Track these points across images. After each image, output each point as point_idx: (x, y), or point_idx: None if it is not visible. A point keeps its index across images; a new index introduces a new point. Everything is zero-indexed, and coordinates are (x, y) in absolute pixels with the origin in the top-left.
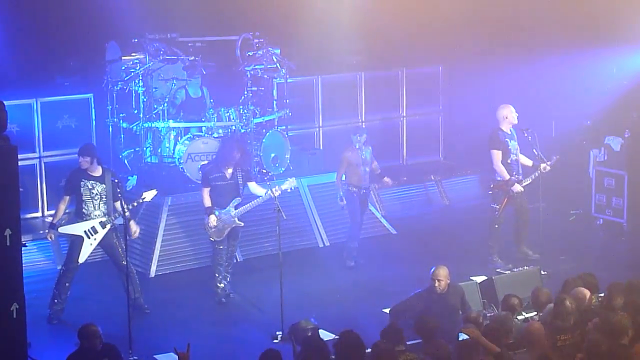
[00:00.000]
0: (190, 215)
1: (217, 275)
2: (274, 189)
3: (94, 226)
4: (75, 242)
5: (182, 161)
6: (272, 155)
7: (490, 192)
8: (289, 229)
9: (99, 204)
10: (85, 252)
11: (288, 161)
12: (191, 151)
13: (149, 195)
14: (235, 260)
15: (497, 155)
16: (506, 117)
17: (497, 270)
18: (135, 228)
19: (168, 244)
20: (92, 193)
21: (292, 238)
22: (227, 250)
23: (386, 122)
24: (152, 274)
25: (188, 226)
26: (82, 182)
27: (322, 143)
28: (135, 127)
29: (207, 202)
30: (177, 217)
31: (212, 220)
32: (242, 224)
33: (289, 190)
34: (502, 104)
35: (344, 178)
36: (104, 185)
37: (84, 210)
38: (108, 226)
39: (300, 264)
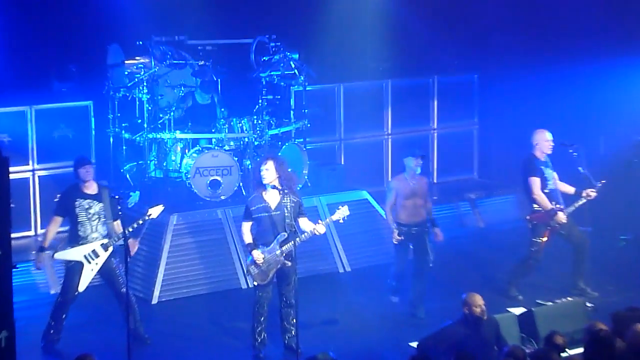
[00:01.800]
0: (197, 235)
1: (255, 325)
2: (321, 224)
3: (94, 249)
4: (74, 268)
5: (189, 176)
6: (289, 170)
7: (530, 226)
8: (306, 252)
9: (97, 225)
10: (86, 280)
11: (306, 177)
12: (199, 165)
13: (155, 212)
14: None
15: (535, 183)
16: (537, 144)
17: (538, 301)
18: (134, 245)
19: (172, 267)
20: (89, 213)
21: (310, 262)
22: (279, 297)
23: (415, 135)
24: (155, 300)
25: (195, 248)
26: (76, 202)
27: (343, 157)
28: (138, 138)
29: (248, 237)
30: (183, 237)
31: (258, 256)
32: (290, 264)
33: (340, 221)
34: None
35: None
36: (101, 204)
37: (80, 233)
38: (110, 249)
39: (319, 291)
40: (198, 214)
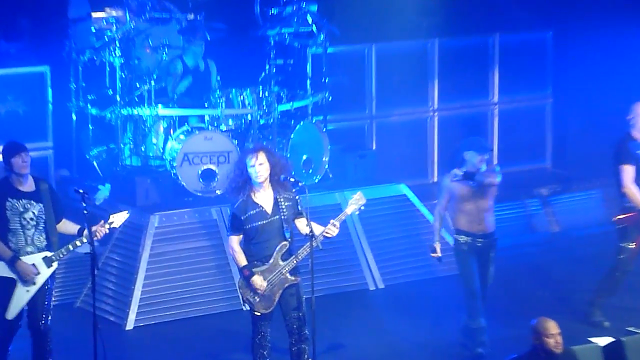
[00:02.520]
0: (185, 242)
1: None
2: (333, 224)
3: (34, 264)
4: (3, 289)
5: (175, 164)
6: (304, 157)
7: (619, 228)
8: (327, 263)
9: (33, 234)
10: (19, 304)
11: (326, 166)
12: (188, 150)
13: (117, 220)
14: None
15: (627, 172)
16: (635, 122)
17: (628, 329)
18: (101, 231)
19: (153, 283)
20: (24, 219)
21: (332, 277)
22: (288, 330)
23: (469, 111)
24: (130, 325)
25: (183, 258)
26: (7, 203)
27: (375, 141)
28: (109, 115)
29: (241, 257)
30: (167, 244)
31: (258, 282)
32: (298, 280)
33: (356, 213)
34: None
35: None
36: (40, 205)
37: (11, 245)
38: (55, 265)
39: (342, 313)
40: (186, 214)
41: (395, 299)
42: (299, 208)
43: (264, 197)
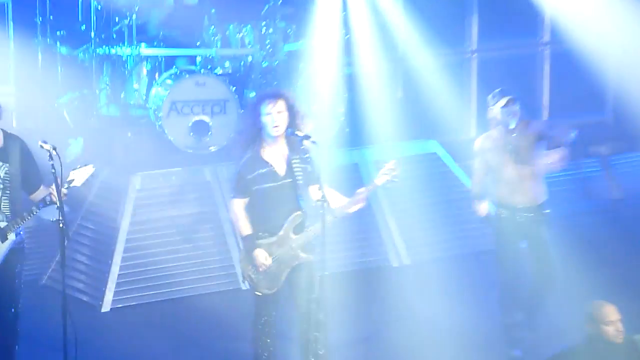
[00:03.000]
0: (173, 208)
1: (259, 353)
2: (360, 196)
3: None
4: None
5: (160, 115)
6: (314, 107)
7: None
8: (343, 236)
9: None
10: None
11: (342, 118)
12: (177, 98)
13: (79, 177)
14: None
15: None
16: None
17: None
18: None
19: (134, 256)
20: None
21: (348, 252)
22: (298, 314)
23: (514, 53)
24: (106, 306)
25: (169, 227)
26: None
27: (402, 87)
28: (82, 55)
29: (244, 225)
30: (150, 210)
31: (261, 257)
32: (311, 258)
33: (388, 186)
34: None
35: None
36: (7, 166)
37: None
38: (11, 237)
39: (360, 294)
40: (174, 174)
41: (422, 278)
42: (316, 172)
43: (276, 155)
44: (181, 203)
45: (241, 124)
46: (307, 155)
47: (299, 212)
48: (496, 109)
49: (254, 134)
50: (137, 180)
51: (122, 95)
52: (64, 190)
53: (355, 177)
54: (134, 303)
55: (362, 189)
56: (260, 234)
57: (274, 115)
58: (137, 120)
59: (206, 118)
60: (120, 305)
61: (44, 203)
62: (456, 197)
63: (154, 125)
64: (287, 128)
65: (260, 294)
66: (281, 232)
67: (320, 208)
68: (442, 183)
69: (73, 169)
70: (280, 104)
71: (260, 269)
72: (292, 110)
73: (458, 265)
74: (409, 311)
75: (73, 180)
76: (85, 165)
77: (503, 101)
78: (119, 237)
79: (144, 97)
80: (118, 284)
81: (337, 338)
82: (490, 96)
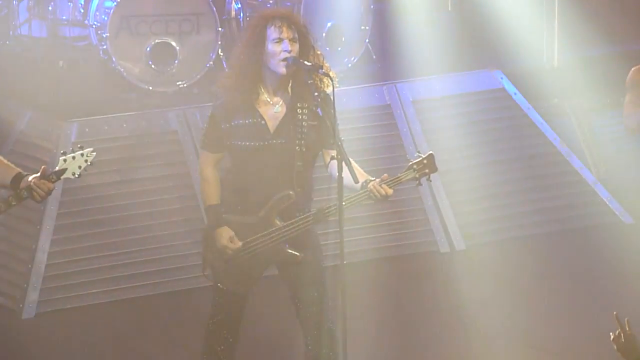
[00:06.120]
0: (122, 169)
1: None
2: (387, 181)
3: None
4: None
5: (106, 35)
6: (328, 25)
7: None
8: (367, 212)
9: None
10: None
11: (367, 40)
12: (128, 12)
13: (74, 165)
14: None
15: None
16: None
17: None
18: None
19: (67, 240)
20: None
21: (378, 234)
22: (301, 323)
23: None
24: (29, 312)
25: (118, 197)
26: None
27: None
28: None
29: (211, 191)
30: (93, 174)
31: (224, 239)
32: (300, 256)
33: (417, 184)
34: None
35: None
36: None
37: None
38: None
39: (394, 291)
40: (126, 121)
41: (480, 268)
42: (333, 131)
43: (271, 103)
44: (135, 162)
45: (232, 55)
46: (318, 104)
47: (289, 192)
48: None
49: (253, 70)
50: (72, 129)
51: (51, 8)
52: (49, 185)
53: (386, 125)
54: (67, 307)
55: (380, 181)
56: (233, 206)
57: (289, 44)
58: (72, 44)
59: (171, 40)
60: (48, 310)
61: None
62: (532, 152)
63: (96, 51)
64: (303, 67)
65: (223, 288)
66: (262, 213)
67: (337, 181)
68: (512, 132)
69: (63, 154)
70: (293, 29)
71: (224, 255)
72: (304, 40)
73: (531, 247)
74: (459, 313)
75: (65, 170)
76: (82, 149)
77: None
78: (45, 212)
79: (82, 11)
80: (45, 280)
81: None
82: None
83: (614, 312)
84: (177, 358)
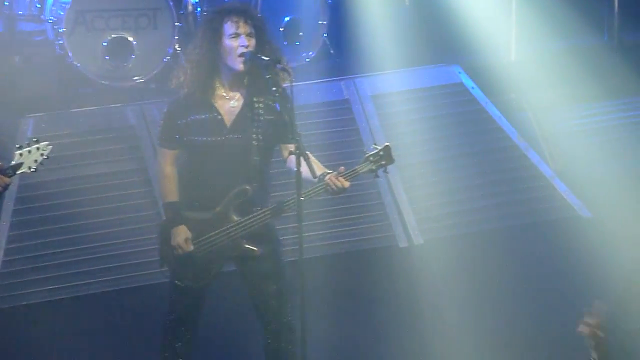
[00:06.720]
0: (79, 165)
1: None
2: (344, 174)
3: None
4: None
5: (62, 30)
6: (286, 19)
7: None
8: (323, 206)
9: None
10: None
11: (325, 34)
12: (84, 6)
13: (30, 159)
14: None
15: None
16: None
17: None
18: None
19: (23, 236)
20: None
21: (335, 230)
22: (260, 320)
23: None
24: None
25: (75, 193)
26: None
27: None
28: None
29: (168, 187)
30: (49, 170)
31: (180, 237)
32: (258, 251)
33: (375, 177)
34: None
35: None
36: None
37: None
38: None
39: (351, 286)
40: (82, 116)
41: (438, 263)
42: (290, 125)
43: (227, 98)
44: (92, 158)
45: (189, 50)
46: (269, 101)
47: (246, 187)
48: None
49: (210, 65)
50: (28, 125)
51: (7, 3)
52: (6, 179)
53: (345, 120)
54: (23, 303)
55: (337, 174)
56: (190, 202)
57: (246, 39)
58: (28, 39)
59: (128, 35)
60: (5, 306)
61: None
62: (490, 147)
63: (53, 46)
64: (260, 61)
65: (180, 284)
66: (218, 209)
67: (295, 174)
68: (471, 127)
69: (19, 148)
70: (250, 24)
71: (176, 253)
72: (261, 35)
73: (489, 242)
74: (408, 302)
75: (22, 164)
76: (37, 142)
77: None
78: (2, 209)
79: (39, 5)
80: (2, 277)
81: (315, 342)
82: None
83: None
84: (136, 354)
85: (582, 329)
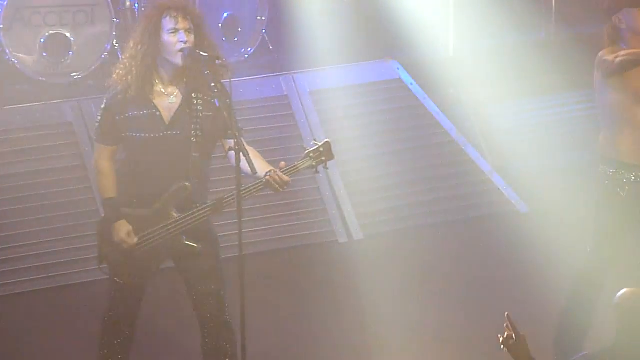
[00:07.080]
0: (17, 162)
1: (105, 356)
2: (285, 170)
3: None
4: None
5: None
6: (225, 15)
7: None
8: (264, 202)
9: None
10: None
11: (264, 30)
12: (21, 2)
13: None
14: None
15: None
16: None
17: None
18: None
19: None
20: None
21: (276, 225)
22: (199, 317)
23: None
24: None
25: (12, 190)
26: None
27: None
28: None
29: (106, 183)
30: None
31: (121, 233)
32: (197, 248)
33: (315, 173)
34: None
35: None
36: None
37: None
38: None
39: (291, 283)
40: (20, 112)
41: (380, 258)
42: (230, 120)
43: (165, 94)
44: (28, 154)
45: (127, 45)
46: (215, 95)
47: (185, 184)
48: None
49: (148, 61)
50: None
51: None
52: None
53: (284, 116)
54: None
55: (280, 170)
56: (129, 199)
57: (185, 35)
58: None
59: (65, 31)
60: None
61: None
62: (428, 142)
63: None
64: (199, 57)
65: (120, 281)
66: (157, 205)
67: (235, 171)
68: (409, 122)
69: None
70: (189, 20)
71: (120, 247)
72: (199, 31)
73: (428, 237)
74: (351, 298)
75: None
76: None
77: None
78: None
79: None
80: None
81: (253, 339)
82: None
83: (506, 313)
84: (74, 352)
85: (500, 337)
